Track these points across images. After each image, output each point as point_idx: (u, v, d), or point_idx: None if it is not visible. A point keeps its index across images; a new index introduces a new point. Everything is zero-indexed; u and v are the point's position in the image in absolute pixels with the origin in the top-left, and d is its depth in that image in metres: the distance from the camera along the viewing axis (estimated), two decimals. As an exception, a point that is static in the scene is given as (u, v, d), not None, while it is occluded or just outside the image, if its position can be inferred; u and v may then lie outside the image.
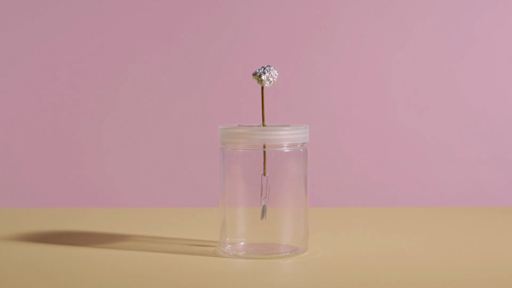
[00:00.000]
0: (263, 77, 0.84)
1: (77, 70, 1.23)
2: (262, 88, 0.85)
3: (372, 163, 1.24)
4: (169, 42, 1.23)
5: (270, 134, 0.83)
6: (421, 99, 1.24)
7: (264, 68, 0.84)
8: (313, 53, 1.23)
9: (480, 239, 0.96)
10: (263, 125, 0.85)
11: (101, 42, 1.23)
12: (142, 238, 0.95)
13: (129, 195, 1.24)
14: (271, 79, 0.84)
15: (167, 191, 1.24)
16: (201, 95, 1.23)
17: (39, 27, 1.23)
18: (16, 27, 1.22)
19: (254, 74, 0.84)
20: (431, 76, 1.24)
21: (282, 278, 0.77)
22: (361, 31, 1.23)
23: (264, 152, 0.84)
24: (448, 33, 1.23)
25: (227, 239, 0.85)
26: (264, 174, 0.84)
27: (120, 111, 1.24)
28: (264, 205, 0.84)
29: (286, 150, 0.84)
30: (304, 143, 0.85)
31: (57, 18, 1.23)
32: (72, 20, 1.23)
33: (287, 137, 0.83)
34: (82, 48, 1.23)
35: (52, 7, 1.23)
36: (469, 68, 1.24)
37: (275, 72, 0.84)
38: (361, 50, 1.24)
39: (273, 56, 1.23)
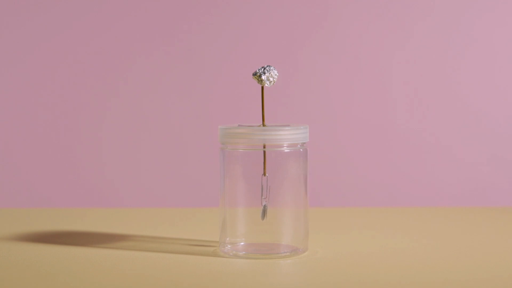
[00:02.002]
0: (263, 77, 0.84)
1: (77, 70, 1.23)
2: (262, 88, 0.85)
3: (372, 163, 1.24)
4: (169, 42, 1.23)
5: (270, 134, 0.83)
6: (421, 99, 1.24)
7: (264, 68, 0.84)
8: (312, 53, 1.23)
9: (480, 239, 0.96)
10: (263, 125, 0.85)
11: (101, 42, 1.23)
12: (142, 238, 0.95)
13: (129, 195, 1.24)
14: (271, 79, 0.84)
15: (167, 191, 1.24)
16: (201, 95, 1.23)
17: (39, 27, 1.23)
18: (16, 27, 1.22)
19: (254, 74, 0.84)
20: (431, 76, 1.24)
21: (282, 278, 0.77)
22: (361, 31, 1.23)
23: (264, 152, 0.84)
24: (448, 33, 1.23)
25: (227, 239, 0.85)
26: (264, 174, 0.84)
27: (120, 111, 1.24)
28: (264, 205, 0.84)
29: (286, 150, 0.84)
30: (304, 143, 0.85)
31: (57, 18, 1.23)
32: (72, 20, 1.23)
33: (287, 137, 0.83)
34: (82, 48, 1.23)
35: (52, 7, 1.23)
36: (469, 68, 1.24)
37: (275, 72, 0.84)
38: (361, 50, 1.24)
39: (273, 56, 1.23)
